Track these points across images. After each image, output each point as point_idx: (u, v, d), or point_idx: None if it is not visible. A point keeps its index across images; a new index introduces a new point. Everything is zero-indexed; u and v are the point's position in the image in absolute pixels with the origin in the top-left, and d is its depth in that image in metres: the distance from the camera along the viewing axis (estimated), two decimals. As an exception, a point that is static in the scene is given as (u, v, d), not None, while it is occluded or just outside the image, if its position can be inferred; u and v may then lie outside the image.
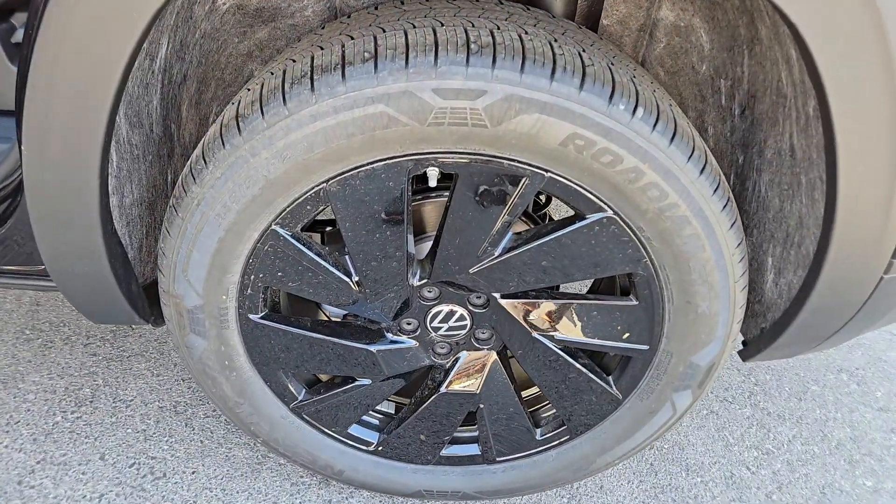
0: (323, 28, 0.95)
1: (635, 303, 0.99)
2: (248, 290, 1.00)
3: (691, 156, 0.83)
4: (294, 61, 0.85)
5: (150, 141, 1.01)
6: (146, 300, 1.13)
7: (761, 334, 1.10)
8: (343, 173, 0.86)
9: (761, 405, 1.62)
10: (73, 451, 1.41)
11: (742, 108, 1.02)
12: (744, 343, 1.16)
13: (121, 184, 0.96)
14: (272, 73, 0.86)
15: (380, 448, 1.20)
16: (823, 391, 1.68)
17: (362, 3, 1.03)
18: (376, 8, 0.93)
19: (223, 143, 0.85)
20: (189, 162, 0.92)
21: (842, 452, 1.51)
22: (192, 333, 1.04)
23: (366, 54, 0.79)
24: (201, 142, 0.91)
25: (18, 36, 1.16)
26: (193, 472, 1.38)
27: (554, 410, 1.18)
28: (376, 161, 0.84)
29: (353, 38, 0.83)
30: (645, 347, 1.03)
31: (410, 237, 0.96)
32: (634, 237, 0.90)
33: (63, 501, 1.31)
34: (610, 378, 1.11)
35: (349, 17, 0.94)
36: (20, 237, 1.06)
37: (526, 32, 0.82)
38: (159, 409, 1.52)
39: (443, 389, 1.12)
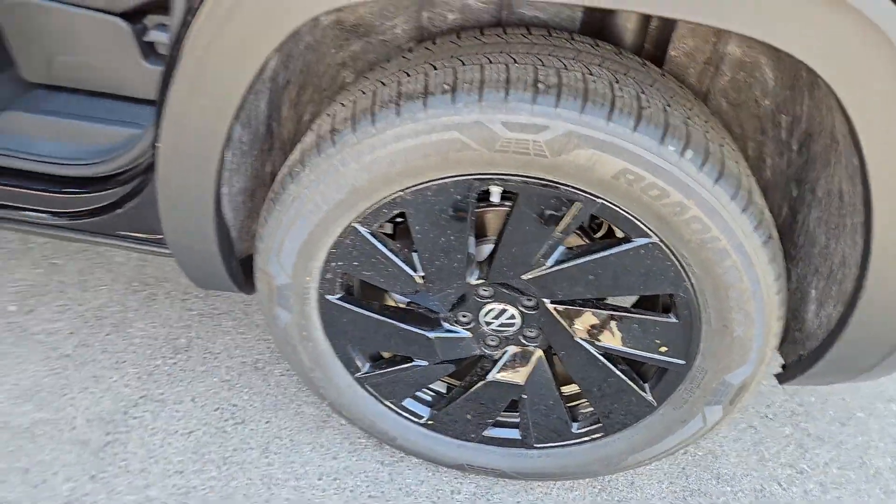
0: (411, 51, 1.06)
1: (675, 321, 1.07)
2: (328, 275, 1.15)
3: (735, 195, 0.90)
4: (384, 84, 0.97)
5: (256, 138, 1.17)
6: (241, 272, 1.31)
7: (799, 360, 1.15)
8: (418, 185, 0.98)
9: (802, 425, 1.65)
10: (169, 392, 1.64)
11: (799, 145, 1.07)
12: (783, 367, 1.21)
13: (230, 176, 1.13)
14: (363, 93, 0.99)
15: (430, 422, 1.35)
16: (869, 419, 1.69)
17: (447, 26, 1.14)
18: (459, 36, 1.04)
19: (319, 152, 0.99)
20: (288, 163, 1.07)
21: (879, 481, 1.53)
22: (279, 307, 1.21)
23: (445, 86, 0.90)
24: (300, 147, 1.05)
25: (150, 35, 1.35)
26: (267, 422, 1.58)
27: (591, 408, 1.28)
28: (447, 177, 0.96)
29: (435, 69, 0.94)
30: (681, 362, 1.11)
31: (472, 240, 1.08)
32: (677, 263, 0.98)
33: (159, 433, 1.54)
34: (646, 385, 1.20)
35: (434, 42, 1.05)
36: (146, 210, 1.26)
37: (590, 73, 0.90)
38: (242, 364, 1.73)
39: (490, 378, 1.24)
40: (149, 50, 1.34)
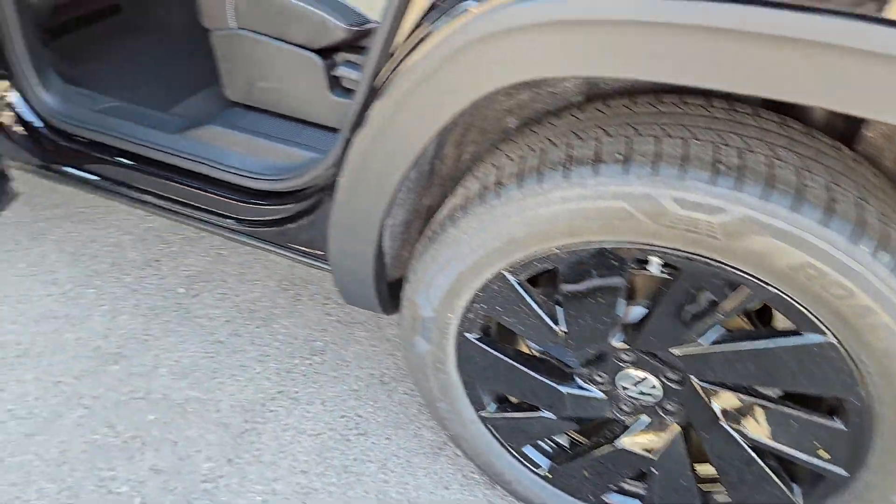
0: (580, 108, 1.07)
1: (842, 427, 0.97)
2: (470, 314, 1.18)
3: (936, 307, 0.81)
4: (553, 144, 0.99)
5: (421, 177, 1.24)
6: (387, 296, 1.38)
7: None
8: (575, 244, 0.98)
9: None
10: (303, 391, 1.76)
11: None
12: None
13: (394, 209, 1.20)
14: (532, 150, 1.01)
15: (548, 474, 1.33)
16: None
17: (619, 84, 1.13)
18: (633, 100, 1.02)
19: (482, 202, 1.02)
20: (449, 206, 1.12)
21: None
22: (419, 335, 1.26)
23: (618, 155, 0.90)
24: (463, 193, 1.10)
25: (338, 71, 1.47)
26: (388, 439, 1.64)
27: (729, 500, 1.20)
28: (606, 242, 0.95)
29: (609, 135, 0.94)
30: (843, 473, 1.01)
31: (622, 304, 1.06)
32: (854, 367, 0.90)
33: (291, 430, 1.65)
34: (796, 487, 1.10)
35: (606, 104, 1.05)
36: (314, 227, 1.37)
37: (776, 156, 0.85)
38: (370, 376, 1.81)
39: (619, 444, 1.21)
40: (335, 83, 1.46)
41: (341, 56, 1.45)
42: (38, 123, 1.65)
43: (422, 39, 0.92)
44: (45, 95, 1.62)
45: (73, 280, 2.07)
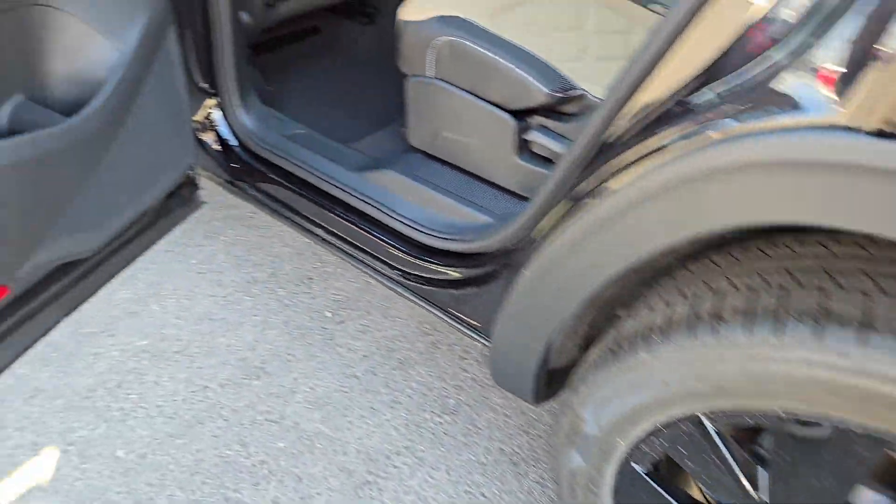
0: (838, 242, 0.86)
1: None
2: (644, 446, 1.01)
3: None
4: (800, 285, 0.80)
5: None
6: (542, 388, 1.25)
7: None
8: (808, 413, 0.79)
9: None
10: (429, 452, 1.67)
11: None
12: None
13: (574, 307, 1.07)
14: (767, 283, 0.83)
15: None
16: None
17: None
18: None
19: (691, 334, 0.86)
20: (645, 323, 0.96)
21: None
22: (575, 450, 1.11)
23: (900, 326, 0.70)
24: (666, 311, 0.94)
25: (529, 134, 1.37)
26: (510, 533, 1.50)
27: None
28: (857, 424, 0.75)
29: (883, 292, 0.74)
30: None
31: (857, 489, 0.84)
32: None
33: (412, 494, 1.57)
34: None
35: (872, 239, 0.84)
36: (479, 300, 1.28)
37: None
38: (500, 451, 1.69)
39: None
40: (524, 146, 1.37)
41: (535, 120, 1.35)
42: (233, 142, 1.73)
43: (658, 149, 0.79)
44: (244, 116, 1.68)
45: (234, 284, 2.16)
